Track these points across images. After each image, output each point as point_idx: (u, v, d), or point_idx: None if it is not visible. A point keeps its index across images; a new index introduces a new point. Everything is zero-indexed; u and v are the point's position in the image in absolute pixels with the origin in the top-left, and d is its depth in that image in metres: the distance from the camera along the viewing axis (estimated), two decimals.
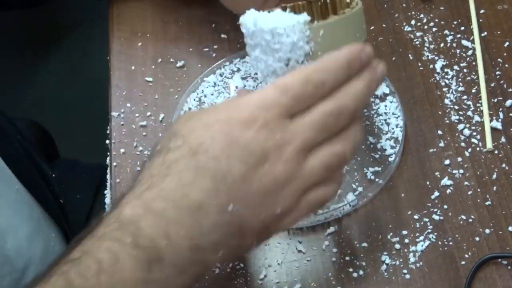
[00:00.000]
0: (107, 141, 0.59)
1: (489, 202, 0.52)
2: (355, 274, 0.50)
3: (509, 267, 0.50)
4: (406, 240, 0.52)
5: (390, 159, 0.55)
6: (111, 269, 0.42)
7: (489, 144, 0.55)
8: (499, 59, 0.60)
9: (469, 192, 0.53)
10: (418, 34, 0.63)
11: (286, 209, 0.44)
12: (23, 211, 0.61)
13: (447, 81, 0.60)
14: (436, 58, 0.61)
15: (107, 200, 0.58)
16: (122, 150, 0.58)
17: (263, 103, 0.43)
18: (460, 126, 0.56)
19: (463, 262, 0.50)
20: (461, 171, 0.54)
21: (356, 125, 0.45)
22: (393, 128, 0.57)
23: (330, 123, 0.44)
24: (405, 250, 0.51)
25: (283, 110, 0.43)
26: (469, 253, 0.51)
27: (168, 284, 0.43)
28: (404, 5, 0.65)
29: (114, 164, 0.57)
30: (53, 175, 0.72)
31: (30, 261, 0.60)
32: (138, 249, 0.42)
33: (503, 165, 0.54)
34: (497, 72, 0.60)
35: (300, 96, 0.43)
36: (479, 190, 0.54)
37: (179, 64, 0.64)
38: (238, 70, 0.62)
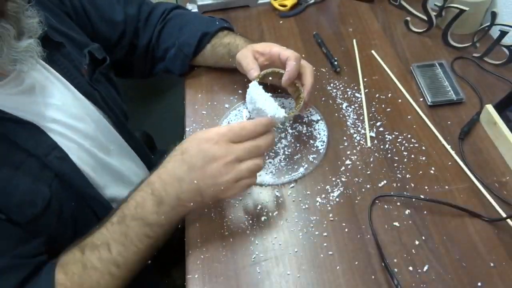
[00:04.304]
0: None
1: (369, 172, 0.78)
2: (303, 206, 0.74)
3: (393, 200, 0.72)
4: (329, 190, 0.76)
5: (320, 151, 0.81)
6: (141, 204, 0.60)
7: (369, 143, 0.82)
8: (373, 102, 0.88)
9: (359, 167, 0.79)
10: (334, 90, 0.90)
11: (226, 187, 0.60)
12: None
13: (348, 113, 0.86)
14: (343, 102, 0.88)
15: None
16: None
17: (220, 133, 0.59)
18: (355, 135, 0.83)
19: (358, 200, 0.74)
20: (355, 156, 0.80)
21: (259, 159, 0.62)
22: (322, 136, 0.82)
23: (251, 151, 0.61)
24: (329, 195, 0.76)
25: (228, 138, 0.59)
26: (362, 196, 0.74)
27: (167, 213, 0.60)
28: (327, 75, 0.93)
29: None
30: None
31: None
32: (153, 196, 0.60)
33: (376, 154, 0.81)
34: (372, 109, 0.87)
35: (238, 135, 0.60)
36: (364, 165, 0.79)
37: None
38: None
